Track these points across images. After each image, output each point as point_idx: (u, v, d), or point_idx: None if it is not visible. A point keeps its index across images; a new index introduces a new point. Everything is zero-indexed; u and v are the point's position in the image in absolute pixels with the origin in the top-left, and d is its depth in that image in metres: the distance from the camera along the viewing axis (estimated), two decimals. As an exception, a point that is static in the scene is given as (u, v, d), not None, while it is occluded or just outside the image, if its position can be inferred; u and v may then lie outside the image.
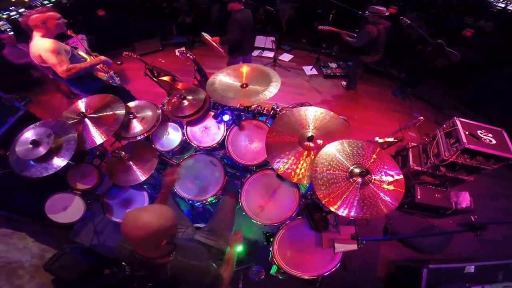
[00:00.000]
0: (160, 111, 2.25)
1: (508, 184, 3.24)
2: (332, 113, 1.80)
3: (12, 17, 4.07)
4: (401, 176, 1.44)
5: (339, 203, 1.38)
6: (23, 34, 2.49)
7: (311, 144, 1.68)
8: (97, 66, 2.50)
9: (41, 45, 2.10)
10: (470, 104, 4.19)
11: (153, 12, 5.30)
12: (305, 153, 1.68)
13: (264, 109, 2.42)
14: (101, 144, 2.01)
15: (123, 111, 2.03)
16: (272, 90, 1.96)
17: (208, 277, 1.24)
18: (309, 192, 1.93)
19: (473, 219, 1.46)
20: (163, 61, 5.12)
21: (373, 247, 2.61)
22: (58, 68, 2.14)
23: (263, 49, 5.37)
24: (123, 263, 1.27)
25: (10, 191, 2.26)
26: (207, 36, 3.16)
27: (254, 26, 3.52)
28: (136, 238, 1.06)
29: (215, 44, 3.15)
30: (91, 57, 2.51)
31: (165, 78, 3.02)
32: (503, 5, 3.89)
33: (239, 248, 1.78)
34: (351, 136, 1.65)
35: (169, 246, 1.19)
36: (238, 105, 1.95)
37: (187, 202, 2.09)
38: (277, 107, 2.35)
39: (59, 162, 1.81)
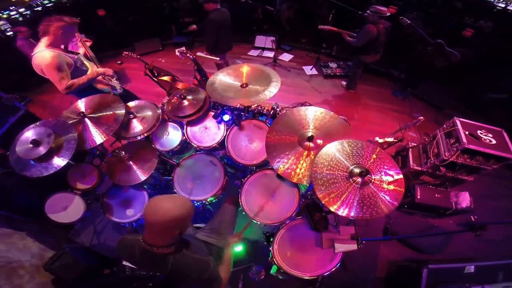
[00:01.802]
0: (160, 111, 2.25)
1: (508, 184, 3.24)
2: (332, 113, 1.80)
3: (12, 17, 4.07)
4: (401, 176, 1.44)
5: (339, 203, 1.38)
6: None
7: (311, 144, 1.68)
8: (98, 78, 2.46)
9: (42, 59, 2.06)
10: (470, 104, 4.19)
11: (153, 12, 5.30)
12: (305, 153, 1.68)
13: (264, 109, 2.42)
14: (101, 144, 2.01)
15: (123, 111, 2.03)
16: (272, 90, 1.97)
17: (208, 272, 1.25)
18: (309, 192, 1.93)
19: (473, 219, 1.46)
20: (163, 61, 5.13)
21: (373, 247, 2.61)
22: (58, 85, 2.14)
23: (263, 49, 5.38)
24: (123, 262, 1.28)
25: (10, 191, 2.26)
26: (201, 54, 3.25)
27: (231, 25, 3.59)
28: (155, 222, 1.13)
29: (208, 57, 3.24)
30: (93, 63, 2.48)
31: (165, 78, 3.02)
32: (503, 5, 3.89)
33: (239, 248, 1.78)
34: (351, 136, 1.65)
35: (177, 238, 1.21)
36: (238, 105, 1.96)
37: (187, 202, 2.09)
38: (277, 107, 2.36)
39: (59, 161, 1.81)
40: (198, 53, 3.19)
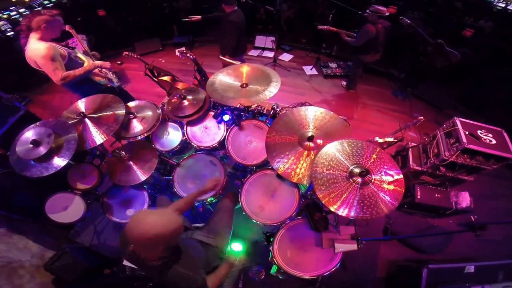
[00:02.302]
0: (160, 111, 2.25)
1: (508, 184, 3.24)
2: (332, 113, 1.80)
3: (12, 17, 4.07)
4: (401, 176, 1.44)
5: (339, 203, 1.38)
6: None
7: (311, 144, 1.68)
8: (95, 70, 2.45)
9: (36, 51, 2.05)
10: (470, 104, 4.19)
11: (153, 12, 5.29)
12: (305, 153, 1.68)
13: (264, 109, 2.42)
14: (101, 144, 2.01)
15: (123, 111, 2.04)
16: (272, 90, 1.97)
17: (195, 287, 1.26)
18: (309, 192, 1.93)
19: (473, 219, 1.46)
20: (163, 61, 5.12)
21: (373, 247, 2.61)
22: (53, 76, 2.12)
23: (263, 49, 5.37)
24: (123, 262, 1.28)
25: (10, 191, 2.26)
26: (224, 59, 3.24)
27: (246, 25, 3.54)
28: (136, 238, 1.09)
29: (232, 61, 3.14)
30: (89, 58, 2.47)
31: (165, 78, 3.02)
32: (503, 5, 3.89)
33: (239, 248, 1.78)
34: (351, 136, 1.65)
35: (165, 251, 1.18)
36: (238, 105, 1.96)
37: (187, 202, 2.09)
38: (277, 107, 2.36)
39: (59, 161, 1.81)
40: (221, 57, 3.24)
